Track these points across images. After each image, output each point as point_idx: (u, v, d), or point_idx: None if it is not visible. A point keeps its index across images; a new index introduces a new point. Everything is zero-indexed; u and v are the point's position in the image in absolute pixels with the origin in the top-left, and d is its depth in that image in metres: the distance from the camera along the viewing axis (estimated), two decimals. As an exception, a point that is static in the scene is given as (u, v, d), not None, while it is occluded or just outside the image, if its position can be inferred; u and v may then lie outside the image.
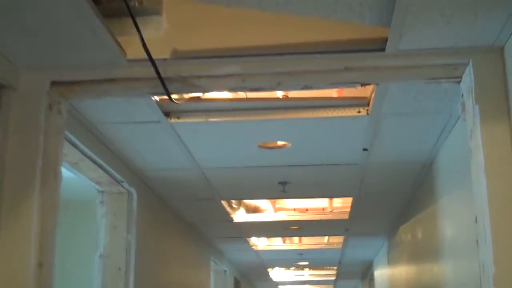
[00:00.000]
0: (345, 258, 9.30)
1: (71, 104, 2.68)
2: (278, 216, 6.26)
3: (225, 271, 8.51)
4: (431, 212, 4.03)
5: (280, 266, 11.40)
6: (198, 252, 6.46)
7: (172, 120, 3.05)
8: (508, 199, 2.15)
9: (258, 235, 7.54)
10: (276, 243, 8.68)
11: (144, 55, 2.20)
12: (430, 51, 2.28)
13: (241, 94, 2.99)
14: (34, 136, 2.32)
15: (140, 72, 2.38)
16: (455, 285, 3.42)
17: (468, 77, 2.30)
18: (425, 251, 4.43)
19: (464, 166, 2.70)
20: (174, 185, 4.36)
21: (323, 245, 8.54)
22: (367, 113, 2.98)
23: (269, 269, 11.27)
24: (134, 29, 2.13)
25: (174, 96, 2.55)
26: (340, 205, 6.29)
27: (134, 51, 2.32)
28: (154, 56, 2.22)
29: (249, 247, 7.83)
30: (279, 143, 3.50)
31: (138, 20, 2.14)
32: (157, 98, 2.82)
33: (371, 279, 9.71)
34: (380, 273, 8.38)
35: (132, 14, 2.11)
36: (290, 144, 3.49)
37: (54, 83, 2.40)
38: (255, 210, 6.36)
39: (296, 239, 8.60)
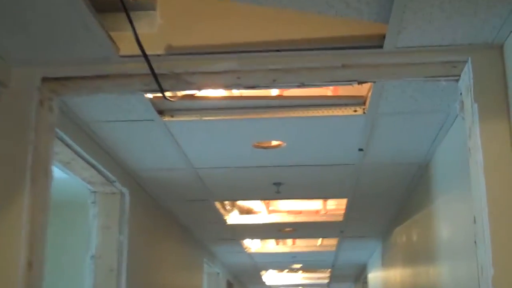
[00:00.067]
0: (339, 260, 9.28)
1: (63, 102, 2.64)
2: (272, 218, 6.23)
3: (218, 273, 8.48)
4: (427, 213, 4.00)
5: (273, 268, 11.38)
6: (191, 254, 6.42)
7: (166, 119, 3.01)
8: (508, 198, 2.12)
9: (252, 237, 7.51)
10: (269, 246, 8.65)
11: (138, 51, 2.16)
12: (429, 48, 2.26)
13: (236, 93, 2.96)
14: (24, 133, 2.28)
15: (133, 68, 2.34)
16: (452, 287, 3.39)
17: (466, 75, 2.27)
18: (420, 253, 4.40)
19: (462, 166, 2.68)
20: (167, 186, 4.32)
21: (316, 247, 8.51)
22: (364, 112, 2.95)
23: (262, 272, 11.23)
24: (128, 24, 2.09)
25: (167, 94, 2.51)
26: (334, 207, 6.26)
27: (128, 46, 2.28)
28: (147, 52, 2.19)
29: (242, 249, 7.80)
30: (274, 143, 3.47)
31: (131, 15, 2.10)
32: (150, 95, 2.78)
33: (365, 282, 9.69)
34: (374, 275, 8.36)
35: (126, 9, 2.07)
36: (285, 144, 3.45)
37: (45, 79, 2.36)
38: (249, 211, 6.33)
39: (289, 241, 8.58)
